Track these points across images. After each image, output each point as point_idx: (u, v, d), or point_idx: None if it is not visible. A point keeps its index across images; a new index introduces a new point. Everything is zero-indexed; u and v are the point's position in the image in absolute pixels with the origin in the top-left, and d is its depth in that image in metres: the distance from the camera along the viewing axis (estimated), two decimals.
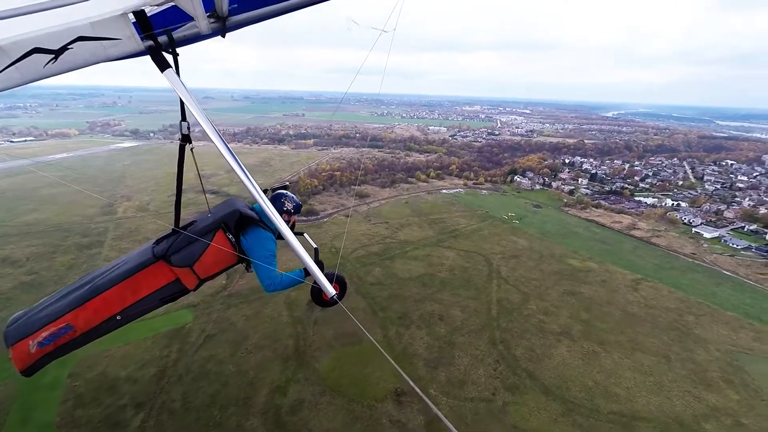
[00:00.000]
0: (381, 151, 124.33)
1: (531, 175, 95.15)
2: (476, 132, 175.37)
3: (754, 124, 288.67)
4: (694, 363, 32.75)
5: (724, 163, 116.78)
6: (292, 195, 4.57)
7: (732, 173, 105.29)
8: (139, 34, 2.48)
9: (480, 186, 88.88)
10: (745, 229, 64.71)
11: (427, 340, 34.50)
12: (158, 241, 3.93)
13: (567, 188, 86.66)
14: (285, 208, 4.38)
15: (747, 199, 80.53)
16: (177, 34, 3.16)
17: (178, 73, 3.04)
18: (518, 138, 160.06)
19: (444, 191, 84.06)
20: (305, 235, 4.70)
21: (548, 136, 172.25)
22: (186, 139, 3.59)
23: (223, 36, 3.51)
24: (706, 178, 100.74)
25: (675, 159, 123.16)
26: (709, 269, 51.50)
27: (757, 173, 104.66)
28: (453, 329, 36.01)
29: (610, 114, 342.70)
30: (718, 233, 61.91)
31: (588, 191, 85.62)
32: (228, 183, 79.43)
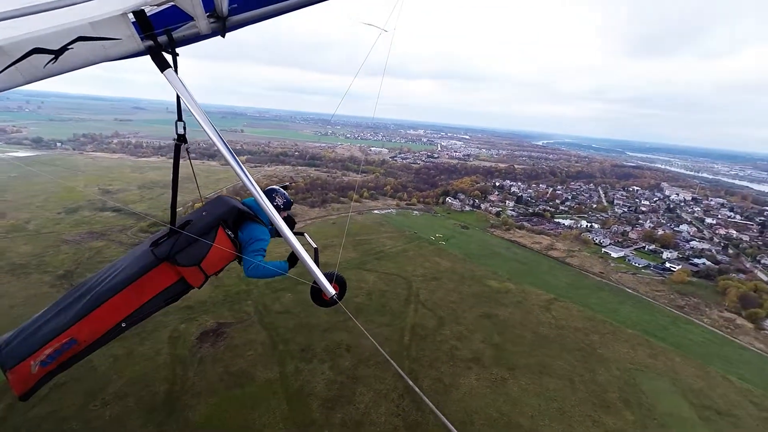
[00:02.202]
0: (318, 170, 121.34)
1: (462, 196, 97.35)
2: (416, 154, 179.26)
3: (656, 155, 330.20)
4: (596, 384, 32.76)
5: (631, 189, 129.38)
6: (283, 191, 4.68)
7: (637, 198, 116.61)
8: (139, 34, 2.48)
9: (412, 207, 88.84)
10: (645, 249, 70.38)
11: (329, 375, 31.10)
12: (155, 243, 3.75)
13: (494, 210, 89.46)
14: (275, 204, 4.32)
15: (648, 221, 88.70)
16: (177, 34, 3.12)
17: (177, 72, 2.98)
18: (455, 161, 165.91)
19: (376, 212, 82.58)
20: (305, 235, 4.53)
21: (483, 160, 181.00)
22: (182, 138, 3.51)
23: (223, 36, 3.46)
24: (615, 201, 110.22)
25: (591, 184, 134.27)
26: (614, 287, 54.29)
27: (657, 198, 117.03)
28: (359, 361, 33.00)
29: (540, 142, 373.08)
30: (623, 253, 66.43)
31: (514, 213, 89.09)
32: (138, 199, 71.26)
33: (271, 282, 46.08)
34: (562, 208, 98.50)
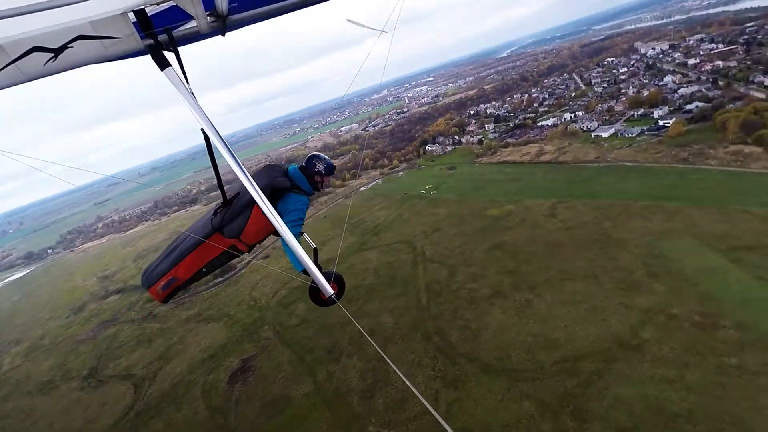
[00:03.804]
0: None
1: (441, 139, 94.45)
2: (386, 116, 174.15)
3: (623, 19, 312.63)
4: (620, 270, 31.61)
5: (605, 63, 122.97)
6: (325, 156, 4.60)
7: (614, 69, 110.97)
8: (139, 33, 2.47)
9: (396, 169, 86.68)
10: (635, 116, 67.18)
11: (360, 366, 30.77)
12: (215, 212, 4.34)
13: (476, 139, 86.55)
14: (317, 170, 4.48)
15: (630, 87, 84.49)
16: (177, 32, 3.15)
17: (183, 70, 3.01)
18: (426, 107, 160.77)
19: (362, 189, 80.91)
20: (305, 234, 4.55)
21: (452, 95, 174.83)
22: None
23: (223, 35, 3.53)
24: (593, 81, 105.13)
25: (565, 74, 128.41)
26: (614, 167, 52.16)
27: (634, 60, 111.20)
28: (384, 341, 32.53)
29: (504, 54, 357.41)
30: (613, 129, 63.64)
31: (495, 134, 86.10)
32: (136, 272, 71.11)
33: (281, 299, 45.77)
34: (542, 109, 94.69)
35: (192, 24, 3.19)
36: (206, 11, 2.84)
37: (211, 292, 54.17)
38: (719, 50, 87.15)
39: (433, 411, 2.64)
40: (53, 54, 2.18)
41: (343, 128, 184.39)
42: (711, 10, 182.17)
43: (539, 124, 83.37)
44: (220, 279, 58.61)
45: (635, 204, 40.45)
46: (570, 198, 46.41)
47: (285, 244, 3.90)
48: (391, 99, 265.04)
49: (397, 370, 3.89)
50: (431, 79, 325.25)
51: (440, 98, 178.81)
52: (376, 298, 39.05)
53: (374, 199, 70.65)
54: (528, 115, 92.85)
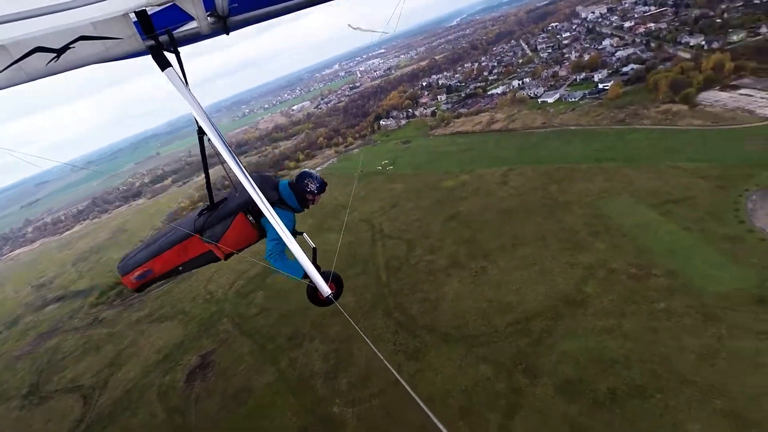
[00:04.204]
0: (247, 156, 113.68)
1: (395, 113, 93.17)
2: (338, 92, 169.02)
3: None
4: (566, 231, 33.13)
5: (550, 28, 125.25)
6: (316, 174, 4.42)
7: (558, 34, 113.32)
8: (140, 33, 2.50)
9: (351, 147, 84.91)
10: (578, 80, 69.44)
11: (322, 349, 30.55)
12: (200, 214, 4.29)
13: (429, 111, 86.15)
14: (308, 189, 4.29)
15: (573, 52, 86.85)
16: (178, 33, 3.16)
17: (183, 71, 3.04)
18: (378, 81, 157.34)
19: (317, 169, 78.58)
20: (304, 234, 4.45)
21: (404, 67, 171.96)
22: (202, 131, 3.42)
23: (227, 33, 3.51)
24: (539, 47, 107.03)
25: (512, 41, 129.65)
26: (559, 131, 53.99)
27: (575, 25, 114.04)
28: (347, 321, 32.34)
29: (454, 23, 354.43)
30: (558, 94, 65.48)
31: (448, 105, 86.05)
32: (77, 277, 65.76)
33: (239, 289, 44.18)
34: (492, 78, 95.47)
35: (193, 25, 3.18)
36: (207, 12, 2.85)
37: (163, 290, 51.21)
38: (651, 12, 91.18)
39: (428, 411, 2.56)
40: (55, 54, 2.19)
41: (294, 107, 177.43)
42: None
43: (489, 92, 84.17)
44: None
45: (579, 167, 42.23)
46: (520, 164, 47.65)
47: (275, 261, 4.09)
48: (342, 74, 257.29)
49: (392, 369, 3.74)
50: (383, 51, 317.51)
51: (392, 71, 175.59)
52: None
53: (331, 179, 67.15)
54: (479, 84, 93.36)
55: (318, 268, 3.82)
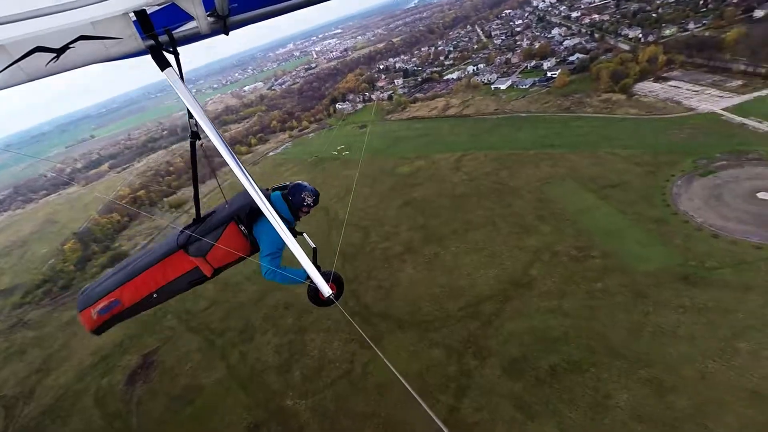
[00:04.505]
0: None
1: (351, 96, 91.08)
2: (293, 73, 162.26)
3: None
4: (514, 215, 34.29)
5: (504, 15, 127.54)
6: (311, 186, 4.21)
7: (511, 21, 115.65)
8: (140, 33, 2.53)
9: (306, 131, 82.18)
10: (528, 68, 71.45)
11: (275, 342, 29.71)
12: (183, 231, 3.98)
13: (386, 95, 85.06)
14: (305, 203, 4.11)
15: (525, 39, 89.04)
16: (177, 33, 3.16)
17: (181, 71, 3.00)
18: (335, 62, 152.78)
19: (270, 154, 75.61)
20: (304, 234, 4.29)
21: (362, 48, 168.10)
22: (195, 135, 3.51)
23: (227, 34, 3.48)
24: (493, 33, 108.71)
25: (468, 26, 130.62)
26: (510, 118, 55.47)
27: (527, 12, 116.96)
28: (301, 312, 31.72)
29: (411, 4, 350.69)
30: (510, 81, 67.02)
31: (405, 90, 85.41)
32: None
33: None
34: (447, 62, 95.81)
35: (192, 24, 3.17)
36: (207, 12, 2.84)
37: None
38: (595, 4, 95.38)
39: (431, 413, 2.49)
40: (55, 54, 2.21)
41: (246, 88, 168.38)
42: None
43: (445, 77, 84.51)
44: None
45: (527, 153, 43.73)
46: (473, 150, 48.50)
47: (275, 276, 3.82)
48: (297, 54, 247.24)
49: (393, 369, 3.28)
50: (339, 31, 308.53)
51: (349, 52, 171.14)
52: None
53: (285, 165, 66.58)
54: (435, 68, 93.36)
55: (318, 268, 3.66)
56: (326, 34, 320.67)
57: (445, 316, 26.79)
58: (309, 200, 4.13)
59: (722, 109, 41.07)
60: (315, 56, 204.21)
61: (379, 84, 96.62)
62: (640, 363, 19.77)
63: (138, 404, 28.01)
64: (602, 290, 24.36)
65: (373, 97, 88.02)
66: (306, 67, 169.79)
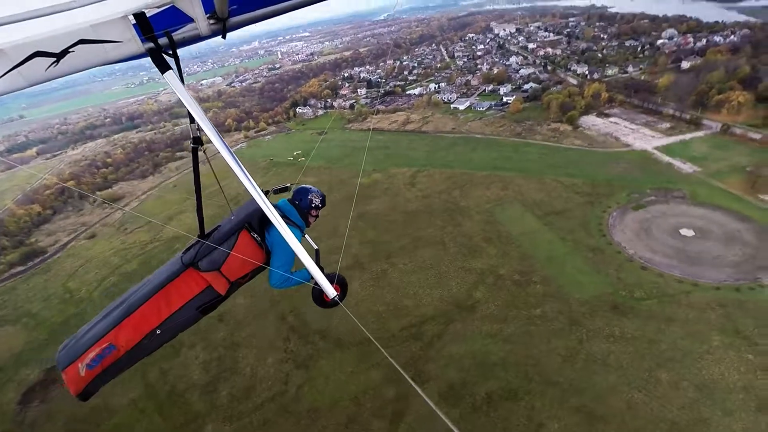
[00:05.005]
0: (141, 132, 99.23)
1: (313, 101, 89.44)
2: (255, 72, 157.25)
3: None
4: (463, 236, 34.63)
5: (467, 38, 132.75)
6: (315, 188, 4.16)
7: (473, 45, 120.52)
8: (139, 36, 2.50)
9: (263, 132, 79.17)
10: (486, 91, 74.30)
11: (203, 357, 27.29)
12: (186, 251, 3.67)
13: (348, 104, 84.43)
14: (313, 204, 4.05)
15: (485, 64, 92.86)
16: (177, 35, 3.14)
17: (181, 74, 3.01)
18: (299, 65, 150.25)
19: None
20: (306, 236, 4.16)
21: (328, 54, 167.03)
22: (197, 141, 3.40)
23: (224, 37, 3.42)
24: (456, 55, 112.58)
25: (433, 45, 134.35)
26: (466, 138, 56.89)
27: (489, 39, 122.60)
28: (235, 325, 29.53)
29: (382, 17, 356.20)
30: (468, 102, 69.15)
31: (367, 100, 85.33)
32: None
33: (109, 287, 37.66)
34: (411, 78, 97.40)
35: (192, 26, 3.12)
36: (206, 13, 2.80)
37: (5, 286, 41.54)
38: (550, 39, 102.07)
39: (440, 413, 2.46)
40: (55, 59, 2.19)
41: (204, 81, 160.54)
42: (549, 3, 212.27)
43: (408, 92, 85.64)
44: (21, 268, 45.38)
45: (479, 174, 44.80)
46: (429, 167, 48.92)
47: (283, 283, 3.71)
48: (262, 52, 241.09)
49: (403, 373, 3.47)
50: (307, 34, 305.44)
51: (315, 57, 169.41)
52: None
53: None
54: (398, 82, 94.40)
55: (321, 269, 3.55)
56: (294, 35, 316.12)
57: (388, 336, 26.04)
58: (316, 201, 4.07)
59: (653, 148, 44.87)
60: (280, 57, 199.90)
61: (342, 92, 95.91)
62: (572, 391, 20.19)
63: (31, 428, 24.28)
64: (541, 316, 24.92)
65: (335, 104, 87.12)
66: (270, 66, 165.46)
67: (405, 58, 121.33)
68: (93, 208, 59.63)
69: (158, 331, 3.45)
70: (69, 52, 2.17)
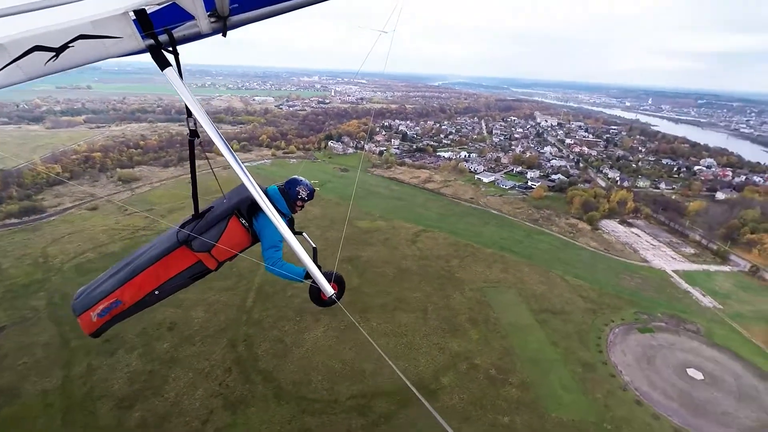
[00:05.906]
0: (182, 125, 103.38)
1: (346, 139, 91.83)
2: (305, 101, 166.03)
3: (534, 90, 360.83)
4: (449, 309, 32.10)
5: (509, 120, 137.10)
6: (306, 181, 4.43)
7: (513, 127, 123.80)
8: (139, 32, 2.51)
9: (291, 155, 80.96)
10: (514, 171, 74.26)
11: (136, 366, 24.94)
12: (182, 226, 3.98)
13: (378, 149, 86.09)
14: (299, 196, 4.30)
15: (519, 146, 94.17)
16: (177, 32, 3.07)
17: (180, 71, 3.00)
18: (347, 105, 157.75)
19: (246, 164, 72.78)
20: (304, 234, 4.20)
21: (376, 102, 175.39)
22: (194, 134, 3.50)
23: (224, 35, 3.44)
24: (494, 131, 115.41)
25: (476, 118, 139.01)
26: (482, 211, 55.69)
27: (530, 125, 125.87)
28: (182, 339, 27.32)
29: (436, 83, 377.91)
30: (494, 177, 68.91)
31: (398, 151, 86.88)
32: None
33: (83, 263, 36.55)
34: (445, 141, 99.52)
35: (192, 24, 3.06)
36: (207, 11, 2.80)
37: None
38: (588, 139, 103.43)
39: (437, 415, 2.37)
40: (54, 53, 2.20)
41: (256, 97, 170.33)
42: (595, 108, 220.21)
43: (438, 153, 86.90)
44: (15, 220, 45.36)
45: (484, 250, 42.85)
46: (435, 229, 47.49)
47: (273, 266, 3.82)
48: (318, 87, 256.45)
49: (399, 372, 5.53)
50: (364, 81, 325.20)
51: (365, 102, 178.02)
52: (198, 287, 33.26)
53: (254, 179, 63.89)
54: (432, 142, 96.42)
55: (319, 267, 3.60)
56: (352, 79, 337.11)
57: (332, 399, 23.19)
58: (303, 194, 4.24)
59: (673, 270, 42.06)
60: (333, 94, 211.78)
61: (377, 138, 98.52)
62: None
63: None
64: (508, 427, 21.65)
65: (366, 146, 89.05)
66: (320, 99, 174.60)
67: (445, 123, 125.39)
68: (107, 182, 60.73)
69: (156, 292, 3.89)
70: (68, 47, 2.18)
